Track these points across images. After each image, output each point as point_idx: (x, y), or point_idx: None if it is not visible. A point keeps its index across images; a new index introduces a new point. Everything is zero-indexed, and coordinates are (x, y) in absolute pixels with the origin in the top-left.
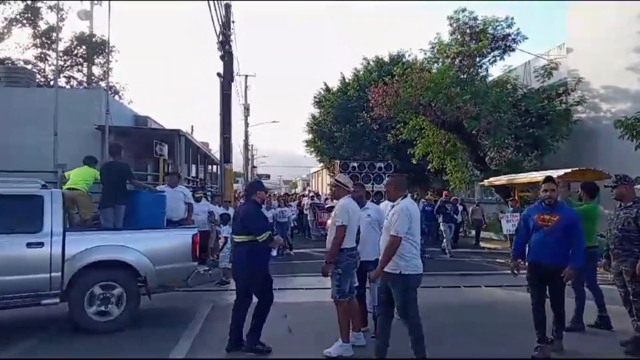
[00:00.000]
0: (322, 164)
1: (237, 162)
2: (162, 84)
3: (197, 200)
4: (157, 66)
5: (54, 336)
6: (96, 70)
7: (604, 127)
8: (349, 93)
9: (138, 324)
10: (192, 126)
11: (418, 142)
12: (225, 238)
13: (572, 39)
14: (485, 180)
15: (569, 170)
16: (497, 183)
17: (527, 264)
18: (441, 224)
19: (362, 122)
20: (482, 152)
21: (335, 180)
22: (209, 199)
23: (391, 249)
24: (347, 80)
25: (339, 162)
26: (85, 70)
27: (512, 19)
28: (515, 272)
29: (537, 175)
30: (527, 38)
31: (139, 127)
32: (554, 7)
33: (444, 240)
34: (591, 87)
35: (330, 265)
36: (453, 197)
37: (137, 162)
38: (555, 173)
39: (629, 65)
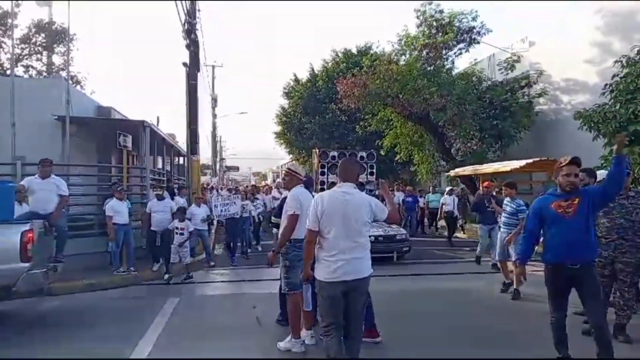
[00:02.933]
0: (291, 156)
1: (205, 154)
2: (127, 74)
3: (159, 198)
4: (121, 56)
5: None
6: (56, 60)
7: (564, 118)
8: (317, 84)
9: (98, 323)
10: (157, 117)
11: (386, 133)
12: (190, 233)
13: (534, 32)
14: (451, 171)
15: (530, 160)
16: (462, 173)
17: (546, 266)
18: (480, 227)
19: (331, 113)
20: (448, 143)
21: (288, 168)
22: (176, 192)
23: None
24: (316, 72)
25: (317, 151)
26: (45, 59)
27: (477, 12)
28: (523, 280)
29: (500, 166)
30: (491, 31)
31: (101, 118)
32: (519, 2)
33: (479, 246)
34: (552, 80)
35: (276, 255)
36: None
37: (100, 154)
38: (517, 163)
39: (587, 59)
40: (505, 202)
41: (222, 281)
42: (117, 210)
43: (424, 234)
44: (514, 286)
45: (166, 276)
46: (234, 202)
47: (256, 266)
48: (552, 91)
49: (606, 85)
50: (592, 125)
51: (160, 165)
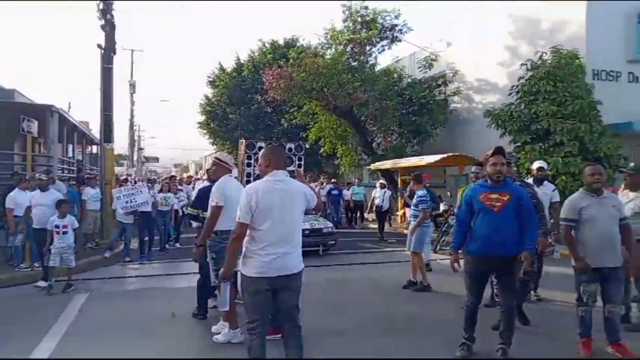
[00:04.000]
0: (215, 147)
1: (122, 144)
2: (34, 56)
3: (42, 189)
4: (27, 35)
5: None
6: None
7: (475, 116)
8: (243, 74)
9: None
10: (69, 103)
11: (311, 126)
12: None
13: (452, 33)
14: (372, 165)
15: (444, 155)
16: (382, 167)
17: (467, 255)
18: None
19: (256, 104)
20: (370, 137)
21: (216, 158)
22: (85, 183)
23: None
24: (242, 61)
25: (244, 141)
26: None
27: (399, 10)
28: (457, 267)
29: (416, 160)
30: (412, 30)
31: (3, 101)
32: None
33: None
34: (466, 80)
35: (200, 249)
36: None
37: (1, 141)
38: (432, 158)
39: (499, 61)
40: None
41: (136, 276)
42: (20, 202)
43: (351, 227)
44: (419, 279)
45: (43, 284)
46: (140, 191)
47: (173, 260)
48: (465, 90)
49: (513, 86)
50: (500, 123)
51: (70, 154)
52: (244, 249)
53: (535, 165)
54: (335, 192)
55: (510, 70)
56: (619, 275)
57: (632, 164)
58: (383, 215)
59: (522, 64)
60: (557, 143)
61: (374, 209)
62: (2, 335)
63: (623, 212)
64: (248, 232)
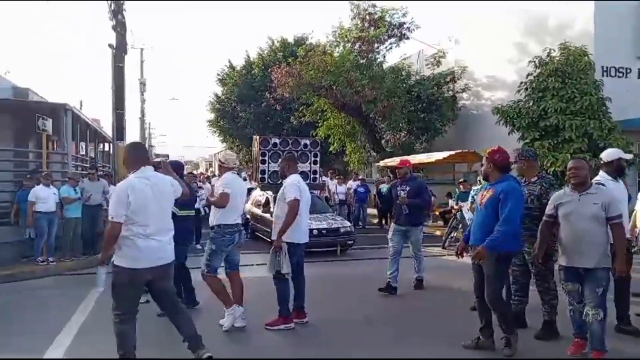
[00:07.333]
0: (225, 144)
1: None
2: (47, 55)
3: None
4: (40, 35)
5: None
6: None
7: (484, 113)
8: (253, 72)
9: (16, 316)
10: (81, 101)
11: (320, 124)
12: None
13: (460, 31)
14: (380, 162)
15: (453, 152)
16: (390, 164)
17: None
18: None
19: (266, 102)
20: (379, 134)
21: (218, 160)
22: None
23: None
24: (252, 59)
25: (258, 137)
26: None
27: (407, 8)
28: (459, 254)
29: (425, 157)
30: (420, 27)
31: (18, 100)
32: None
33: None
34: (475, 76)
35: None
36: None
37: (17, 139)
38: (441, 155)
39: (508, 58)
40: None
41: None
42: (41, 196)
43: (382, 229)
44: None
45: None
46: None
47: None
48: (474, 87)
49: (521, 83)
50: (508, 119)
51: (83, 152)
52: (120, 242)
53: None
54: (361, 189)
55: (518, 66)
56: (595, 276)
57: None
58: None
59: (530, 61)
60: (566, 139)
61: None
62: (15, 332)
63: (614, 210)
64: (127, 227)
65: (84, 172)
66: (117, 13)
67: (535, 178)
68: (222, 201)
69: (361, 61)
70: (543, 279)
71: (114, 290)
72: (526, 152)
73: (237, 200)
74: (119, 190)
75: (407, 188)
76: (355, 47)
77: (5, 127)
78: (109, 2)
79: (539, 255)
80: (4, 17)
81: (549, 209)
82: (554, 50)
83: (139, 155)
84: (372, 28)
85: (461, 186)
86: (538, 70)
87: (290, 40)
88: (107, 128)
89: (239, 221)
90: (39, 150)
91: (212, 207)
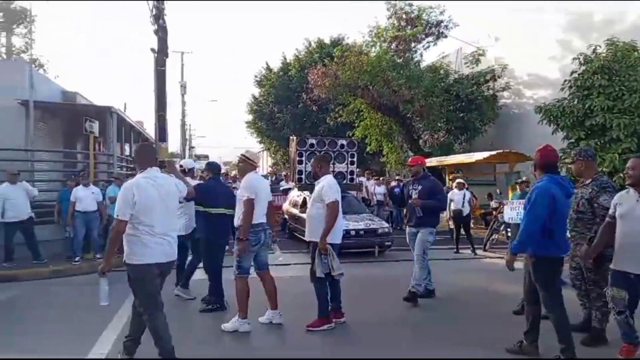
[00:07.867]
0: (262, 145)
1: (175, 142)
2: (93, 59)
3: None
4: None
5: None
6: (17, 42)
7: (526, 112)
8: (290, 73)
9: (51, 318)
10: (125, 104)
11: (357, 124)
12: None
13: (500, 28)
14: None
15: (493, 152)
16: (428, 165)
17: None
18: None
19: (303, 103)
20: (416, 134)
21: (242, 155)
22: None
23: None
24: (288, 61)
25: (295, 138)
26: (4, 40)
27: (444, 6)
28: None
29: (464, 157)
30: (458, 25)
31: (67, 103)
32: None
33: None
34: (516, 74)
35: (245, 242)
36: None
37: (66, 140)
38: (481, 155)
39: (550, 55)
40: None
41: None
42: (79, 196)
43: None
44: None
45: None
46: None
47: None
48: (515, 85)
49: (565, 81)
50: (552, 119)
51: (127, 153)
52: (130, 240)
53: None
54: (397, 190)
55: (562, 64)
56: None
57: None
58: (463, 221)
59: (574, 58)
60: (614, 139)
61: (450, 214)
62: (58, 332)
63: None
64: (134, 226)
65: (128, 172)
66: (158, 18)
67: (590, 180)
68: (248, 209)
69: (398, 60)
70: (595, 284)
71: (133, 288)
72: (585, 151)
73: (261, 199)
74: (124, 189)
75: (420, 187)
76: (392, 47)
77: (56, 129)
78: (151, 5)
79: (589, 255)
80: (52, 21)
81: (610, 210)
82: (600, 47)
83: (147, 156)
84: (409, 27)
85: (518, 188)
86: (583, 68)
87: (327, 41)
88: (150, 130)
89: (263, 220)
90: (86, 151)
91: (237, 206)
